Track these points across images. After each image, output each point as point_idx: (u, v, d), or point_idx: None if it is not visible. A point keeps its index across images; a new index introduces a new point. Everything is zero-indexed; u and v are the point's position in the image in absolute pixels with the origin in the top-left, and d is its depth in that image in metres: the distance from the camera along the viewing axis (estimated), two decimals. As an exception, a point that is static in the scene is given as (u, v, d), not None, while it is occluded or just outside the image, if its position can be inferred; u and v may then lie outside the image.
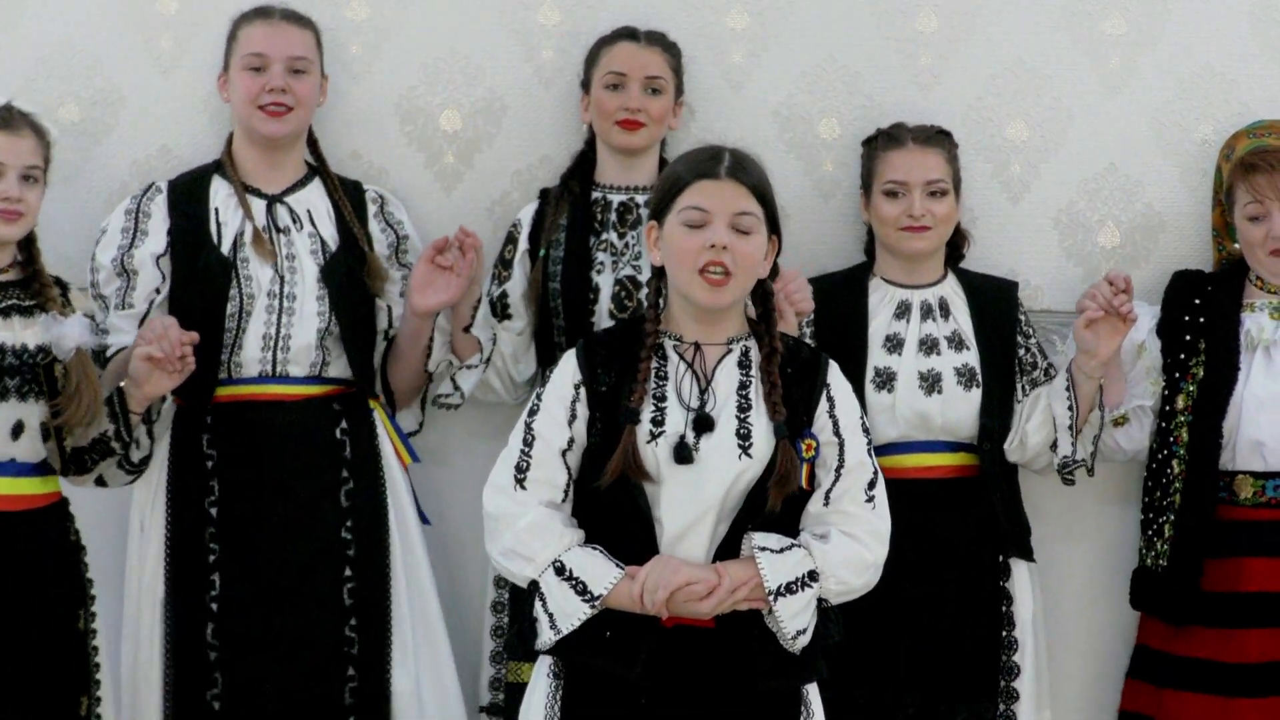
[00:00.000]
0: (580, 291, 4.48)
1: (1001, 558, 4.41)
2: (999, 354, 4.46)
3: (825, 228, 4.70)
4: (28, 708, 3.97)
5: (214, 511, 4.32)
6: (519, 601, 4.39)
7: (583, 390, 3.50)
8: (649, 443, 3.44)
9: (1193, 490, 4.36)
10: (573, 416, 3.50)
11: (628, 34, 4.56)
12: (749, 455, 3.46)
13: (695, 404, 3.49)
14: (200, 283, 4.35)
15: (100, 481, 4.20)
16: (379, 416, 4.50)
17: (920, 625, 4.28)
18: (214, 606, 4.30)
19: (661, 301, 3.58)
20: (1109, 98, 4.74)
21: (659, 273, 3.55)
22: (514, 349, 4.55)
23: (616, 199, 4.56)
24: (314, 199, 4.50)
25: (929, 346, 4.42)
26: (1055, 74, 4.74)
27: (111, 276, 4.39)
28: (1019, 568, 4.44)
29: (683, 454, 3.44)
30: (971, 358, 4.43)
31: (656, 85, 4.52)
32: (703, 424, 3.47)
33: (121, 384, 4.10)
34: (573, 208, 4.54)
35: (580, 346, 3.55)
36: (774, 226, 3.54)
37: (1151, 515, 4.45)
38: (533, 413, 3.53)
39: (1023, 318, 4.52)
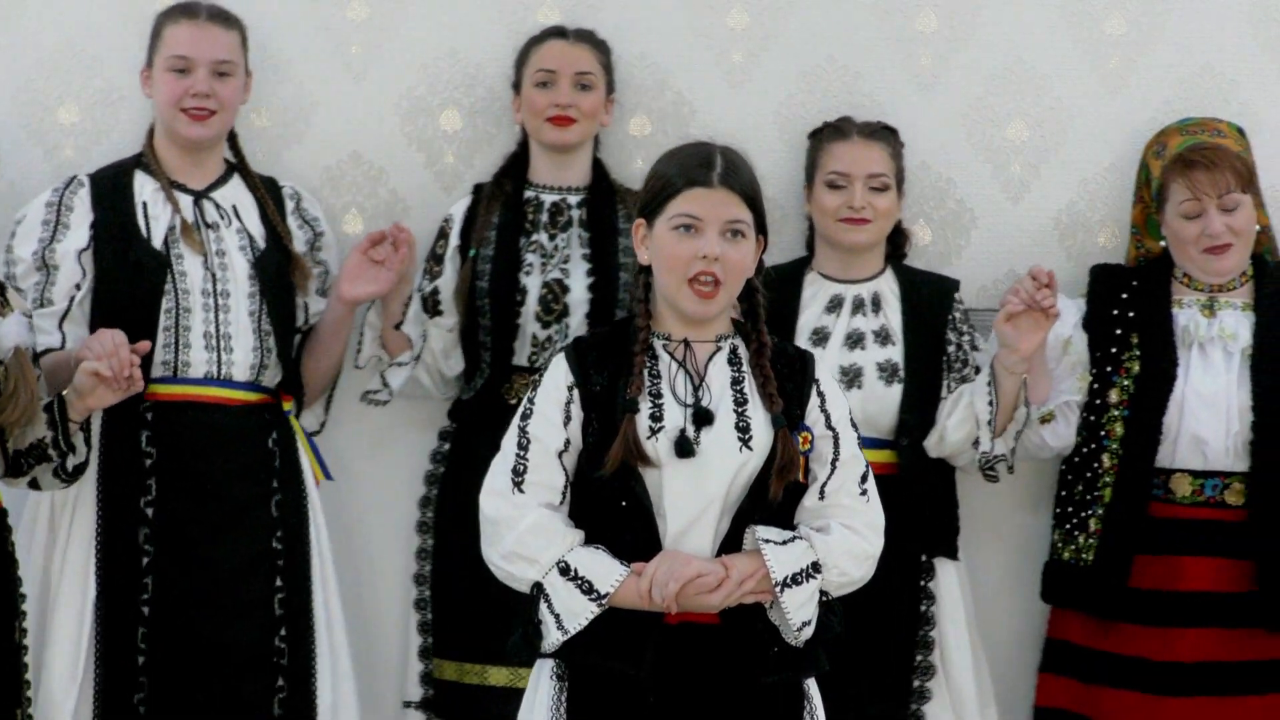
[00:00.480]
0: (508, 293, 4.48)
1: (925, 556, 4.41)
2: (927, 350, 4.45)
3: (825, 228, 4.71)
4: None
5: (149, 512, 4.27)
6: (458, 597, 4.46)
7: (576, 392, 3.49)
8: (649, 439, 3.44)
9: (1126, 485, 4.35)
10: (567, 418, 3.49)
11: (556, 32, 4.57)
12: (749, 448, 3.46)
13: (690, 400, 3.48)
14: (132, 277, 4.30)
15: (34, 484, 4.10)
16: (296, 428, 4.50)
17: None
18: (146, 610, 4.25)
19: (652, 298, 3.57)
20: (1109, 98, 4.74)
21: (646, 270, 3.54)
22: (444, 345, 4.55)
23: (549, 199, 4.56)
24: (238, 195, 4.47)
25: (854, 341, 4.42)
26: (1055, 74, 4.74)
27: (30, 270, 4.31)
28: (945, 567, 4.45)
29: (684, 447, 3.44)
30: (896, 353, 4.44)
31: (586, 81, 4.53)
32: (702, 418, 3.46)
33: (64, 392, 4.03)
34: (504, 207, 4.54)
35: (570, 349, 3.54)
36: (762, 227, 3.54)
37: (1071, 509, 4.44)
38: (525, 416, 3.51)
39: (956, 315, 4.51)
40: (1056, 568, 4.47)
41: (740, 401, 3.49)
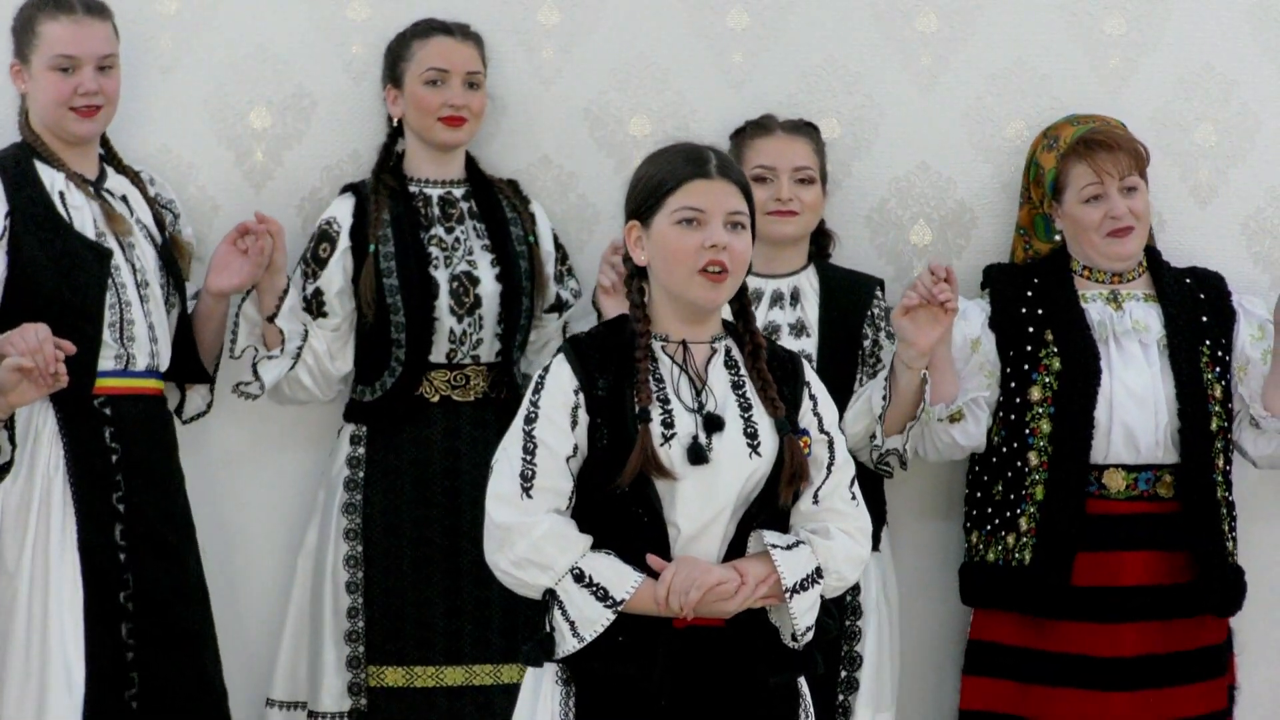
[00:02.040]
0: (421, 287, 4.46)
1: None
2: (842, 345, 4.47)
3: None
4: None
5: (122, 508, 4.28)
6: (394, 603, 4.45)
7: (582, 395, 3.47)
8: (662, 445, 3.43)
9: (1062, 482, 4.35)
10: (575, 423, 3.48)
11: (442, 29, 4.54)
12: (758, 454, 3.46)
13: (695, 405, 3.48)
14: (69, 271, 4.24)
15: None
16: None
17: None
18: (130, 605, 4.26)
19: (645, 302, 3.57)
20: (1109, 98, 4.74)
21: (640, 273, 3.53)
22: (328, 345, 4.51)
23: (435, 193, 4.55)
24: (124, 185, 4.45)
25: (768, 333, 4.42)
26: (1055, 74, 4.74)
27: None
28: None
29: (698, 454, 3.43)
30: (810, 345, 4.45)
31: (475, 80, 4.53)
32: (713, 424, 3.46)
33: None
34: (394, 203, 4.51)
35: (570, 351, 3.51)
36: (752, 221, 3.54)
37: (992, 510, 4.43)
38: (530, 420, 3.48)
39: (875, 311, 4.52)
40: (979, 569, 4.46)
41: (745, 407, 3.49)
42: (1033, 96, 4.75)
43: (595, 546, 3.46)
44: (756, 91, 4.74)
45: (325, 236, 4.51)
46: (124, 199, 4.41)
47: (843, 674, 4.45)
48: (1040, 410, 4.39)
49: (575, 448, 3.46)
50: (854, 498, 3.57)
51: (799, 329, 4.46)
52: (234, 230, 4.41)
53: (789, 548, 3.46)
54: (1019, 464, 4.39)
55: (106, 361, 4.28)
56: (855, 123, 4.74)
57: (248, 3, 4.66)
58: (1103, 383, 4.36)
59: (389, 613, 4.47)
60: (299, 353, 4.49)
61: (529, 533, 3.44)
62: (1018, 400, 4.41)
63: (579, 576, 3.42)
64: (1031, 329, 4.43)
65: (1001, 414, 4.43)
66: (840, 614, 4.40)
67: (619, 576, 3.41)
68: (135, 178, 4.47)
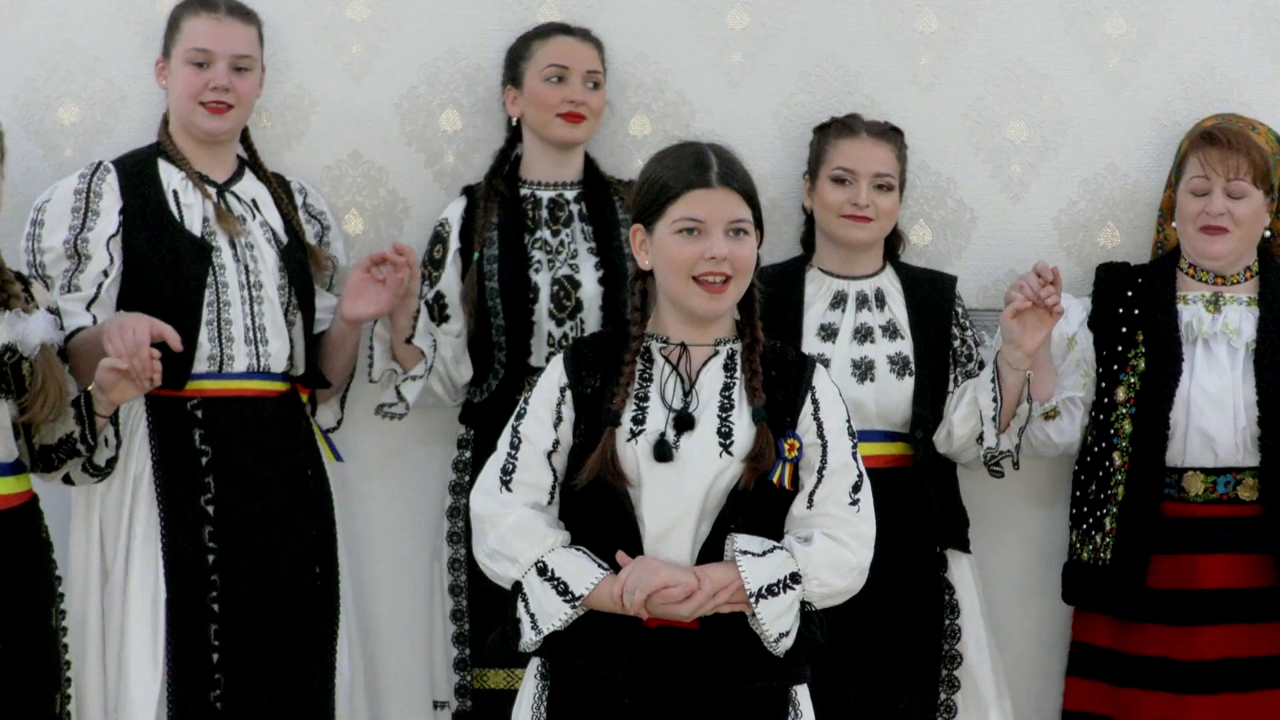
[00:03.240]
0: (520, 291, 4.47)
1: (939, 549, 4.42)
2: (933, 345, 4.47)
3: (825, 228, 4.71)
4: (6, 708, 3.94)
5: (211, 510, 4.29)
6: (496, 606, 4.44)
7: (568, 393, 3.50)
8: (629, 441, 3.45)
9: (1138, 483, 4.35)
10: (558, 419, 3.50)
11: (563, 29, 4.57)
12: (730, 453, 3.46)
13: (678, 405, 3.48)
14: (173, 266, 4.30)
15: (67, 479, 4.14)
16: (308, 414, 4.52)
17: (859, 614, 4.25)
18: (216, 607, 4.27)
19: (649, 303, 3.57)
20: (1109, 98, 4.74)
21: (642, 275, 3.54)
22: (453, 351, 4.53)
23: (546, 195, 4.56)
24: (256, 189, 4.48)
25: (863, 335, 4.43)
26: (1055, 74, 4.74)
27: (60, 258, 4.30)
28: (958, 559, 4.46)
29: (662, 452, 3.44)
30: (905, 347, 4.44)
31: (595, 79, 4.54)
32: (683, 423, 3.47)
33: (89, 387, 4.03)
34: (502, 206, 4.53)
35: (567, 350, 3.55)
36: (759, 221, 3.54)
37: (1086, 509, 4.44)
38: (519, 416, 3.54)
39: (959, 310, 4.52)
40: (1076, 568, 4.47)
41: (726, 407, 3.49)
42: (1033, 96, 4.74)
43: (575, 542, 3.47)
44: (756, 91, 4.74)
45: (438, 238, 4.56)
46: (253, 202, 4.43)
47: (944, 673, 4.43)
48: (1124, 410, 4.40)
49: (556, 443, 3.49)
50: (855, 504, 3.55)
51: (891, 331, 4.46)
52: (367, 258, 4.39)
53: (763, 553, 3.45)
54: (1106, 464, 4.41)
55: (200, 364, 4.30)
56: (855, 123, 4.74)
57: (247, 3, 4.65)
58: (1181, 385, 4.36)
59: (492, 616, 4.46)
60: (433, 366, 4.51)
61: (498, 524, 3.48)
62: (1106, 400, 4.42)
63: (542, 570, 3.45)
64: (1125, 329, 4.44)
65: (1094, 413, 4.45)
66: (938, 612, 4.41)
67: (581, 572, 3.43)
68: (279, 185, 4.50)
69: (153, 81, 4.63)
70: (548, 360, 4.45)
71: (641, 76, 4.74)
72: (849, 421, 3.59)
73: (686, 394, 3.50)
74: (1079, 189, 4.75)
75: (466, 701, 4.49)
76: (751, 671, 3.47)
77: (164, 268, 4.30)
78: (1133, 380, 4.41)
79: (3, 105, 4.58)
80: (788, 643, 3.48)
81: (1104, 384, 4.44)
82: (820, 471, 3.52)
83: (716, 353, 3.54)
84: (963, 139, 4.72)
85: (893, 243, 4.59)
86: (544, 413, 3.51)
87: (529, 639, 3.46)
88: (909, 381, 4.42)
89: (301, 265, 4.44)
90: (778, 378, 3.54)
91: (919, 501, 4.37)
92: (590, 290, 4.51)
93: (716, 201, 3.47)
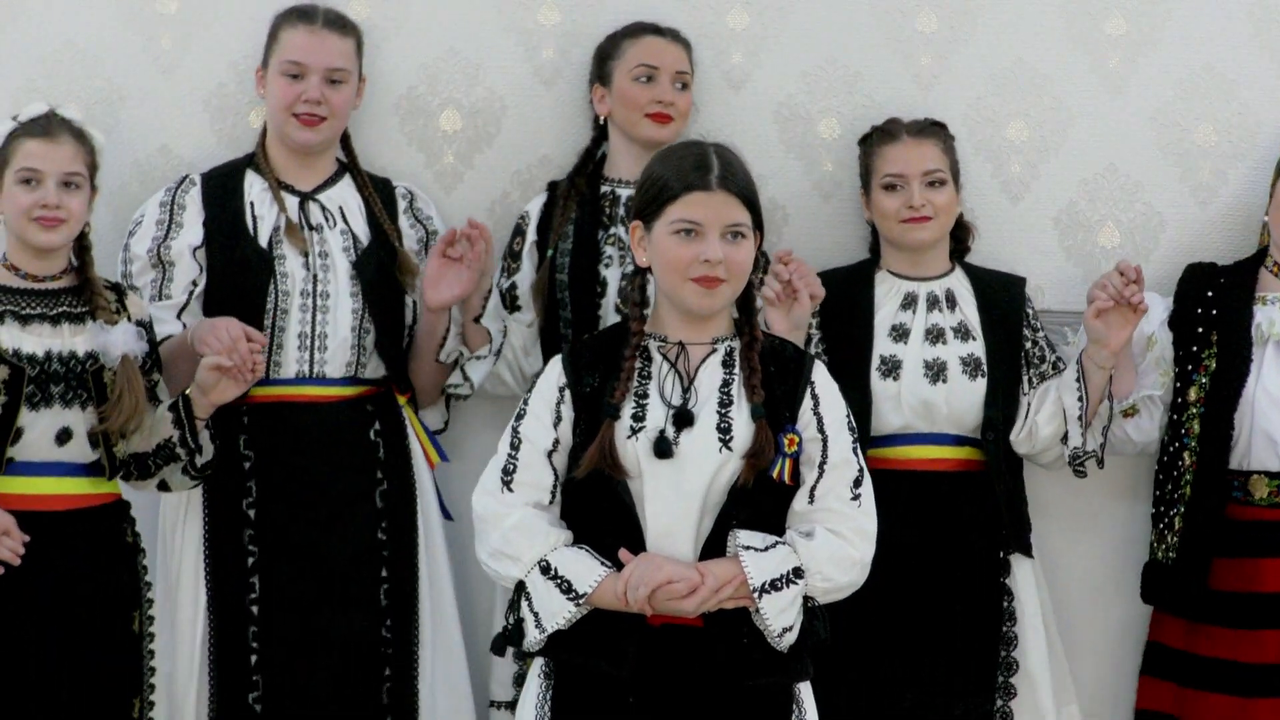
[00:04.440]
0: (588, 285, 4.49)
1: (1002, 553, 4.41)
2: (1005, 346, 4.46)
3: (825, 227, 4.71)
4: (81, 709, 3.97)
5: (252, 513, 4.31)
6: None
7: (567, 393, 3.52)
8: (629, 438, 3.45)
9: (1202, 484, 4.36)
10: (558, 419, 3.51)
11: (653, 29, 4.58)
12: (729, 448, 3.47)
13: (677, 401, 3.49)
14: (238, 276, 4.34)
15: (163, 486, 4.17)
16: (407, 415, 4.50)
17: (918, 619, 4.28)
18: (254, 609, 4.29)
19: (648, 300, 3.58)
20: (1109, 98, 4.74)
21: (641, 271, 3.54)
22: (524, 341, 4.56)
23: (625, 193, 4.56)
24: (345, 196, 4.49)
25: (935, 336, 4.43)
26: (1055, 74, 4.74)
27: (146, 267, 4.36)
28: (1021, 564, 4.44)
29: (662, 448, 3.45)
30: (977, 348, 4.43)
31: (684, 80, 4.56)
32: (682, 419, 3.48)
33: (187, 391, 4.07)
34: (580, 204, 4.55)
35: (566, 350, 3.57)
36: (759, 223, 3.54)
37: (1163, 508, 4.44)
38: (519, 417, 3.55)
39: (1030, 311, 4.52)
40: (1153, 568, 4.47)
41: (725, 403, 3.50)
42: (1033, 96, 4.74)
43: (577, 541, 3.47)
44: (757, 91, 4.74)
45: (519, 230, 4.59)
46: (339, 210, 4.44)
47: (1000, 680, 4.41)
48: (1194, 411, 4.41)
49: (556, 442, 3.50)
50: (856, 498, 3.56)
51: (963, 333, 4.45)
52: (441, 241, 4.41)
53: (765, 549, 3.46)
54: (1179, 464, 4.41)
55: None
56: (855, 123, 4.72)
57: (248, 3, 4.66)
58: (1246, 387, 4.36)
59: None
60: (500, 349, 4.52)
61: (500, 524, 3.49)
62: (1179, 400, 4.43)
63: (545, 569, 3.46)
64: (1201, 329, 4.44)
65: (1169, 413, 4.46)
66: (997, 618, 4.39)
67: (584, 570, 3.44)
68: (379, 189, 4.50)
69: (153, 81, 4.64)
70: None
71: (642, 76, 4.74)
72: (849, 416, 3.60)
73: (685, 391, 3.50)
74: (1079, 189, 4.75)
75: (518, 691, 4.46)
76: (756, 668, 3.48)
77: (231, 279, 4.34)
78: (1204, 380, 4.41)
79: (3, 105, 4.58)
80: (791, 638, 3.48)
81: (1179, 383, 4.45)
82: (821, 466, 3.53)
83: (715, 350, 3.55)
84: (963, 139, 4.71)
85: (960, 236, 4.58)
86: (543, 412, 3.52)
87: (533, 638, 3.47)
88: (981, 383, 4.40)
89: (379, 272, 4.43)
90: (776, 373, 3.55)
91: (986, 506, 4.35)
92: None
93: (715, 205, 3.47)
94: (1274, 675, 4.31)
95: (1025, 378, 4.46)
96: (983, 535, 4.37)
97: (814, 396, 3.56)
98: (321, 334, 4.37)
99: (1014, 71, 4.75)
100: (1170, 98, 4.74)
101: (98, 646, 4.01)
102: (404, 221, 4.54)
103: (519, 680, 4.50)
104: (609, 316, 4.48)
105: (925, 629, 4.28)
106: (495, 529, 3.50)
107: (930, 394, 4.37)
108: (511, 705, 4.52)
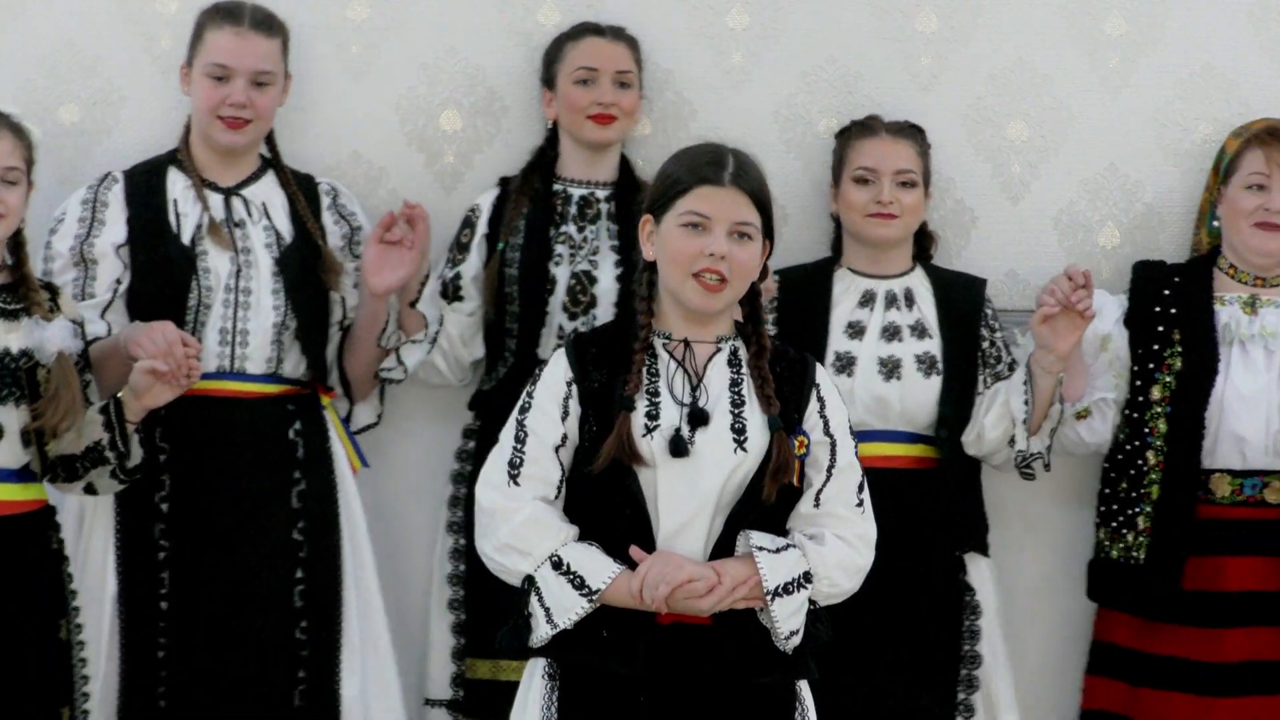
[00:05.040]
0: (537, 282, 4.49)
1: (957, 552, 4.42)
2: (962, 345, 4.47)
3: (825, 227, 4.69)
4: (7, 718, 3.91)
5: (165, 507, 4.28)
6: (495, 596, 4.43)
7: (574, 387, 3.49)
8: (644, 436, 3.44)
9: (1173, 482, 4.35)
10: (565, 413, 3.49)
11: (594, 29, 4.57)
12: (744, 449, 3.46)
13: (688, 400, 3.48)
14: (161, 274, 4.31)
15: (90, 489, 4.10)
16: (330, 417, 4.49)
17: (876, 616, 4.25)
18: (164, 605, 4.26)
19: (655, 295, 3.57)
20: (1109, 98, 4.74)
21: (650, 266, 3.54)
22: (461, 331, 4.55)
23: (577, 193, 4.57)
24: (269, 192, 4.47)
25: (891, 333, 4.44)
26: (1055, 74, 4.74)
27: (68, 265, 4.32)
28: (976, 562, 4.45)
29: (678, 447, 3.44)
30: (933, 346, 4.44)
31: (626, 79, 4.54)
32: (697, 418, 3.46)
33: (119, 394, 4.03)
34: (533, 201, 4.55)
35: (570, 344, 3.54)
36: (769, 231, 3.54)
37: (1117, 507, 4.43)
38: (524, 410, 3.52)
39: (988, 312, 4.52)
40: (1104, 566, 4.46)
41: (737, 403, 3.49)
42: (1033, 96, 4.74)
43: (582, 539, 3.46)
44: (756, 91, 4.74)
45: (468, 223, 4.58)
46: (262, 206, 4.42)
47: (963, 672, 4.43)
48: (1159, 410, 4.40)
49: (564, 437, 3.48)
50: (860, 504, 3.55)
51: (920, 331, 4.46)
52: (379, 226, 4.39)
53: (777, 551, 3.45)
54: (1139, 463, 4.40)
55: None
56: (855, 123, 4.74)
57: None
58: (1216, 385, 4.36)
59: (484, 606, 4.49)
60: (435, 338, 4.51)
61: (511, 518, 3.46)
62: (1140, 399, 4.42)
63: (557, 564, 3.43)
64: (1161, 328, 4.43)
65: (1127, 411, 4.45)
66: (958, 613, 4.42)
67: (597, 566, 3.42)
68: (302, 186, 4.49)
69: (153, 81, 4.64)
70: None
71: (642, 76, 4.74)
72: (850, 422, 3.59)
73: (694, 390, 3.50)
74: (1079, 189, 4.75)
75: (460, 692, 4.50)
76: (764, 666, 3.48)
77: (154, 277, 4.31)
78: (1168, 380, 4.40)
79: (2, 105, 4.57)
80: (796, 640, 3.48)
81: (1139, 382, 4.44)
82: (829, 470, 3.53)
83: (719, 349, 3.54)
84: (963, 139, 4.72)
85: (924, 244, 4.59)
86: (550, 406, 3.50)
87: (544, 633, 3.45)
88: (935, 381, 4.42)
89: (302, 269, 4.42)
90: (783, 375, 3.54)
91: (940, 503, 4.37)
92: (606, 286, 4.52)
93: (724, 200, 3.47)
94: (1235, 674, 4.31)
95: (981, 378, 4.47)
96: (937, 532, 4.37)
97: (820, 400, 3.56)
98: (243, 330, 4.35)
99: (1014, 71, 4.75)
100: (1170, 98, 4.73)
101: (27, 656, 3.95)
102: (328, 218, 4.51)
103: (458, 681, 4.50)
104: (555, 315, 4.49)
105: (885, 624, 4.28)
106: (505, 523, 3.47)
107: (884, 391, 4.39)
108: (452, 704, 4.52)
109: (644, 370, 3.49)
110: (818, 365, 3.59)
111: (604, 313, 4.51)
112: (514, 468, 3.49)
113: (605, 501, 3.46)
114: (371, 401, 4.59)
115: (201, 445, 4.31)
